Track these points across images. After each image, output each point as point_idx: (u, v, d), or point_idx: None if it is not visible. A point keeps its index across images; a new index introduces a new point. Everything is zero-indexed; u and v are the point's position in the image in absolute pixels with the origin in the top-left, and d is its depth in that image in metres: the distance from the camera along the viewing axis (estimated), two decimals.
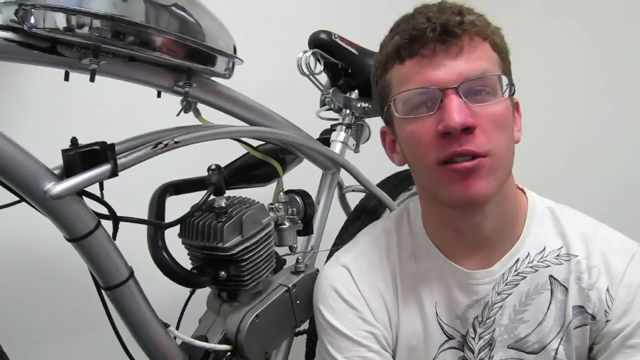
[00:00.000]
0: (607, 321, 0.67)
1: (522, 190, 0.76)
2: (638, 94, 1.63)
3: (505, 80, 0.65)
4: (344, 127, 1.10)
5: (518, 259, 0.71)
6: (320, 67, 1.08)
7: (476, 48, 0.64)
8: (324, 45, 1.06)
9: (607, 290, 0.68)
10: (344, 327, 0.74)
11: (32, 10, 0.54)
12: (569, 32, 1.79)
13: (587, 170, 1.72)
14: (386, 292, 0.75)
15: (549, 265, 0.70)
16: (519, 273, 0.71)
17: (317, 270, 0.87)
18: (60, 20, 0.55)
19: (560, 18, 1.81)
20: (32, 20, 0.55)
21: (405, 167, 0.76)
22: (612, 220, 0.74)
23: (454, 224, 0.71)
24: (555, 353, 0.69)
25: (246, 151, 0.91)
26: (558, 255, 0.71)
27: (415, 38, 0.64)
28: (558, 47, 1.81)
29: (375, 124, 1.11)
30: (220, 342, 0.77)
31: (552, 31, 1.83)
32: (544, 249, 0.71)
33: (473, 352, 0.72)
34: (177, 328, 0.80)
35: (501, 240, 0.71)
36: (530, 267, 0.71)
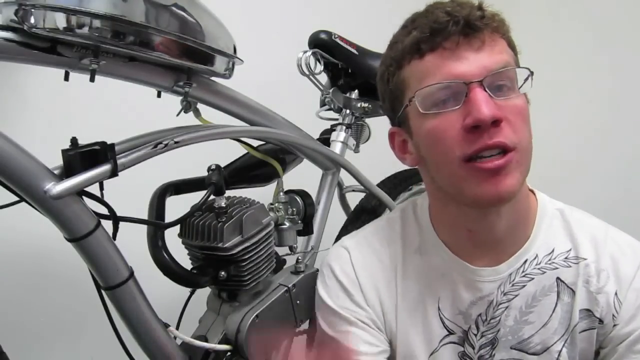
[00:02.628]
0: (614, 325, 0.67)
1: (532, 191, 0.75)
2: (638, 94, 1.62)
3: (525, 72, 0.64)
4: (344, 127, 1.10)
5: (526, 260, 0.70)
6: (320, 67, 1.08)
7: (497, 42, 0.64)
8: (324, 45, 1.06)
9: (616, 294, 0.67)
10: (333, 304, 0.75)
11: (32, 10, 0.54)
12: (569, 32, 1.79)
13: (588, 171, 1.72)
14: (383, 280, 0.75)
15: (556, 268, 0.70)
16: (526, 274, 0.70)
17: (317, 270, 0.87)
18: (60, 20, 0.55)
19: (561, 18, 1.81)
20: (32, 20, 0.55)
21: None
22: (611, 221, 0.74)
23: (468, 224, 0.70)
24: (558, 355, 0.69)
25: (246, 151, 0.91)
26: (567, 258, 0.70)
27: (437, 31, 0.62)
28: (559, 47, 1.81)
29: (375, 124, 1.12)
30: (220, 342, 0.77)
31: (552, 31, 1.83)
32: (553, 250, 0.70)
33: (473, 348, 0.72)
34: (177, 328, 0.80)
35: (511, 241, 0.70)
36: (538, 268, 0.70)
